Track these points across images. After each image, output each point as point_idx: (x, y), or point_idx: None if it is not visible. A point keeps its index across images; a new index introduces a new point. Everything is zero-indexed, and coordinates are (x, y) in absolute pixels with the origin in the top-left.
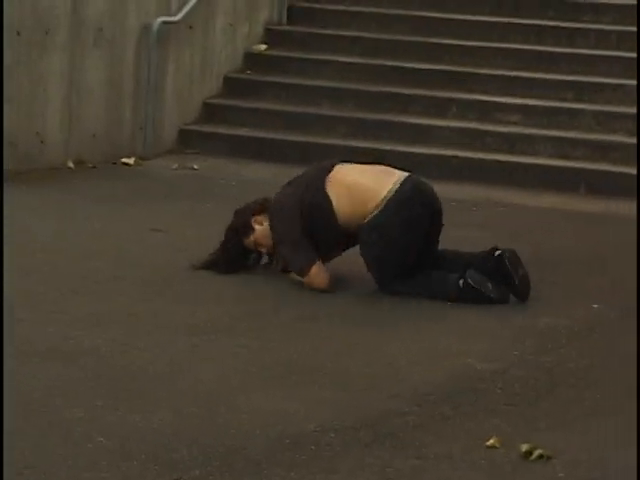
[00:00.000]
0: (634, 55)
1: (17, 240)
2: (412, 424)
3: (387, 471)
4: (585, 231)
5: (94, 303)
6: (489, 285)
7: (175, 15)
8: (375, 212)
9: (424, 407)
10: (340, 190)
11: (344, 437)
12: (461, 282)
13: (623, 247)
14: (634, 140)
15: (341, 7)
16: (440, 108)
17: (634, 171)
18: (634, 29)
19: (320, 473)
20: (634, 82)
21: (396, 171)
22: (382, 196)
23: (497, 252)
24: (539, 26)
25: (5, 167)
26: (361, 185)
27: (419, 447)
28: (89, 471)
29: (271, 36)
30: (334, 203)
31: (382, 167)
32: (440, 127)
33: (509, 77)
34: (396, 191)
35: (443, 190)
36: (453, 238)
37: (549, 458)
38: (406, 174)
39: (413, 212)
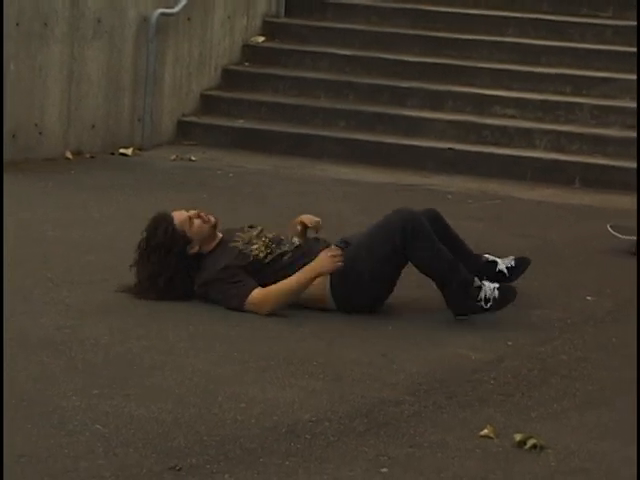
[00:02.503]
0: (629, 49)
1: (13, 230)
2: (406, 413)
3: (381, 459)
4: (580, 224)
5: (90, 293)
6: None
7: (174, 7)
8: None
9: (418, 396)
10: None
11: (338, 426)
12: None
13: (617, 240)
14: (629, 133)
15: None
16: (437, 101)
17: (628, 164)
18: (630, 23)
19: (315, 462)
20: (629, 76)
21: None
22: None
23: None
24: (536, 20)
25: (4, 157)
26: None
27: (413, 436)
28: (86, 459)
29: (269, 28)
30: None
31: None
32: (436, 120)
33: (506, 70)
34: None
35: (439, 182)
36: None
37: (542, 448)
38: None
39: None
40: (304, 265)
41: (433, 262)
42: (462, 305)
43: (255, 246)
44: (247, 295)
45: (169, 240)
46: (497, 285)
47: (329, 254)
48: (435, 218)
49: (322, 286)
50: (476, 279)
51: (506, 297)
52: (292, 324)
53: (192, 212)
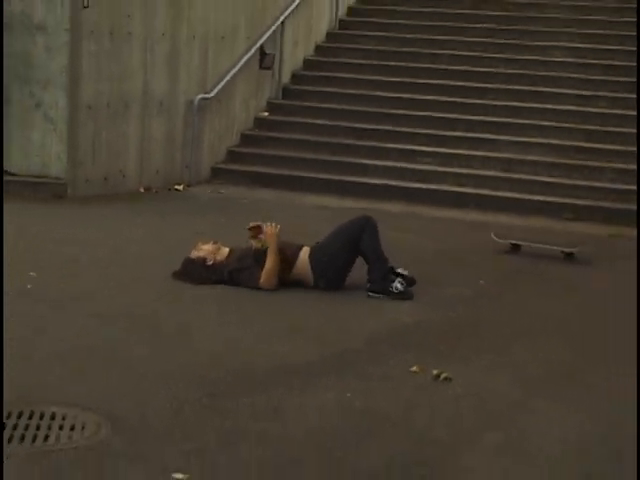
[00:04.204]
0: (506, 120)
1: (99, 242)
2: (364, 358)
3: (347, 389)
4: (474, 233)
5: (153, 285)
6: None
7: (209, 93)
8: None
9: (372, 346)
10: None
11: (321, 367)
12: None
13: (498, 243)
14: (506, 174)
15: (317, 88)
16: (381, 154)
17: (503, 194)
18: (506, 103)
19: (306, 390)
20: (506, 137)
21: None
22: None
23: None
24: (447, 102)
25: (99, 192)
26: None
27: (369, 373)
28: (150, 392)
29: (271, 107)
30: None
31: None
32: (380, 166)
33: (426, 134)
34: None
35: (384, 207)
36: (391, 238)
37: (451, 379)
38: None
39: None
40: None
41: (373, 249)
42: (380, 285)
43: (253, 242)
44: (258, 278)
45: (191, 265)
46: (403, 283)
47: (267, 228)
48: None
49: (306, 265)
50: (392, 275)
51: (406, 294)
52: (289, 306)
53: (200, 244)
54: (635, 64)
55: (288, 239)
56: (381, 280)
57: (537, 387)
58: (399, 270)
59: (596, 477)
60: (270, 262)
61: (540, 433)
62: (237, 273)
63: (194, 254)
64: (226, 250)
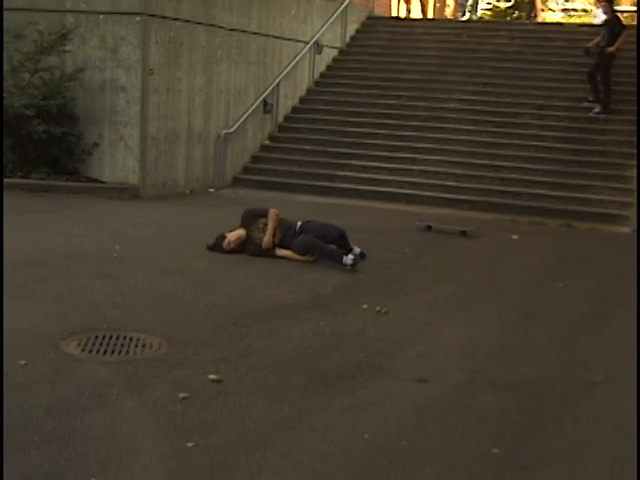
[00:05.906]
0: (422, 146)
1: (161, 225)
2: (331, 299)
3: (321, 321)
4: (403, 219)
5: (197, 251)
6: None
7: (231, 129)
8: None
9: (338, 293)
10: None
11: (303, 305)
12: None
13: (419, 225)
14: (425, 180)
15: (302, 125)
16: (346, 168)
17: (424, 193)
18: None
19: (294, 320)
20: (422, 157)
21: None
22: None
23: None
24: (389, 134)
25: (160, 193)
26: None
27: (335, 309)
28: (195, 321)
29: (272, 137)
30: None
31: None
32: (346, 175)
33: (375, 155)
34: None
35: (347, 203)
36: (351, 222)
37: (388, 313)
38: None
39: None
40: (283, 234)
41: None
42: (337, 261)
43: (264, 238)
44: (259, 245)
45: (219, 247)
46: (352, 257)
47: (306, 258)
48: (342, 232)
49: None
50: (346, 254)
51: (357, 261)
52: (282, 267)
53: (228, 236)
54: (509, 109)
55: (286, 219)
56: (338, 257)
57: (443, 315)
58: (354, 249)
59: (480, 368)
60: (292, 256)
61: (446, 343)
62: (253, 250)
63: (225, 244)
64: (243, 234)
